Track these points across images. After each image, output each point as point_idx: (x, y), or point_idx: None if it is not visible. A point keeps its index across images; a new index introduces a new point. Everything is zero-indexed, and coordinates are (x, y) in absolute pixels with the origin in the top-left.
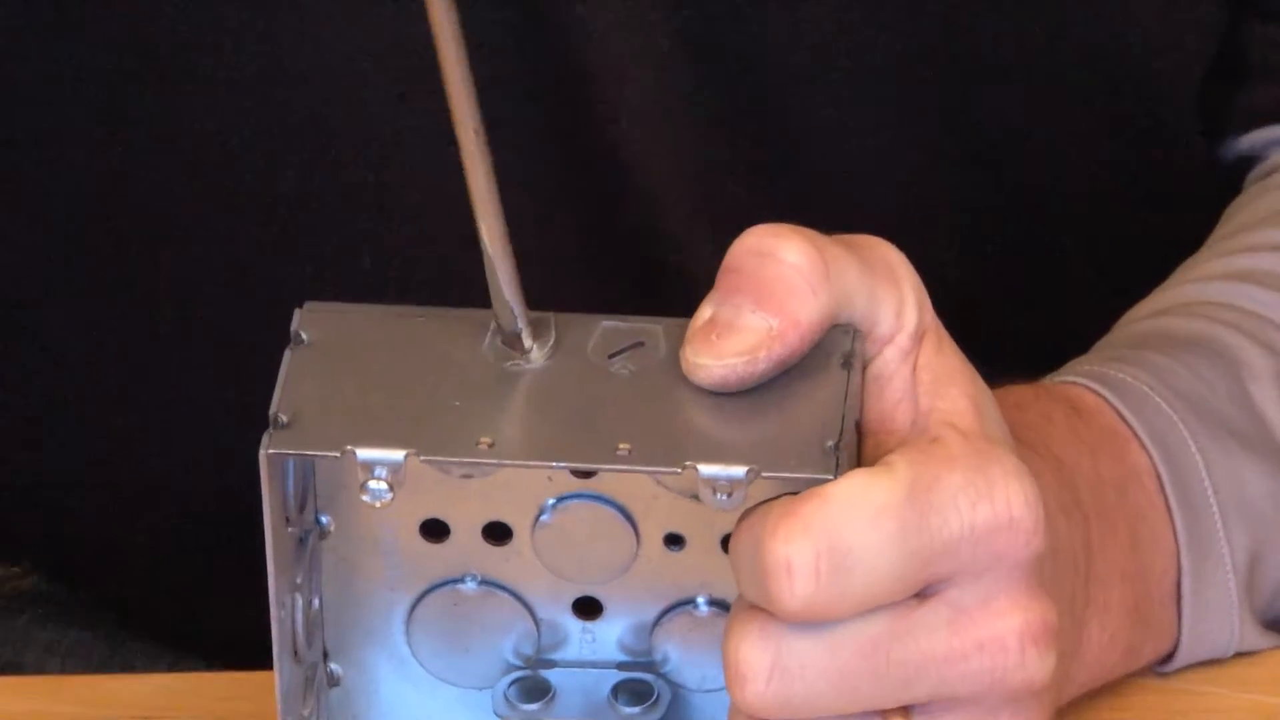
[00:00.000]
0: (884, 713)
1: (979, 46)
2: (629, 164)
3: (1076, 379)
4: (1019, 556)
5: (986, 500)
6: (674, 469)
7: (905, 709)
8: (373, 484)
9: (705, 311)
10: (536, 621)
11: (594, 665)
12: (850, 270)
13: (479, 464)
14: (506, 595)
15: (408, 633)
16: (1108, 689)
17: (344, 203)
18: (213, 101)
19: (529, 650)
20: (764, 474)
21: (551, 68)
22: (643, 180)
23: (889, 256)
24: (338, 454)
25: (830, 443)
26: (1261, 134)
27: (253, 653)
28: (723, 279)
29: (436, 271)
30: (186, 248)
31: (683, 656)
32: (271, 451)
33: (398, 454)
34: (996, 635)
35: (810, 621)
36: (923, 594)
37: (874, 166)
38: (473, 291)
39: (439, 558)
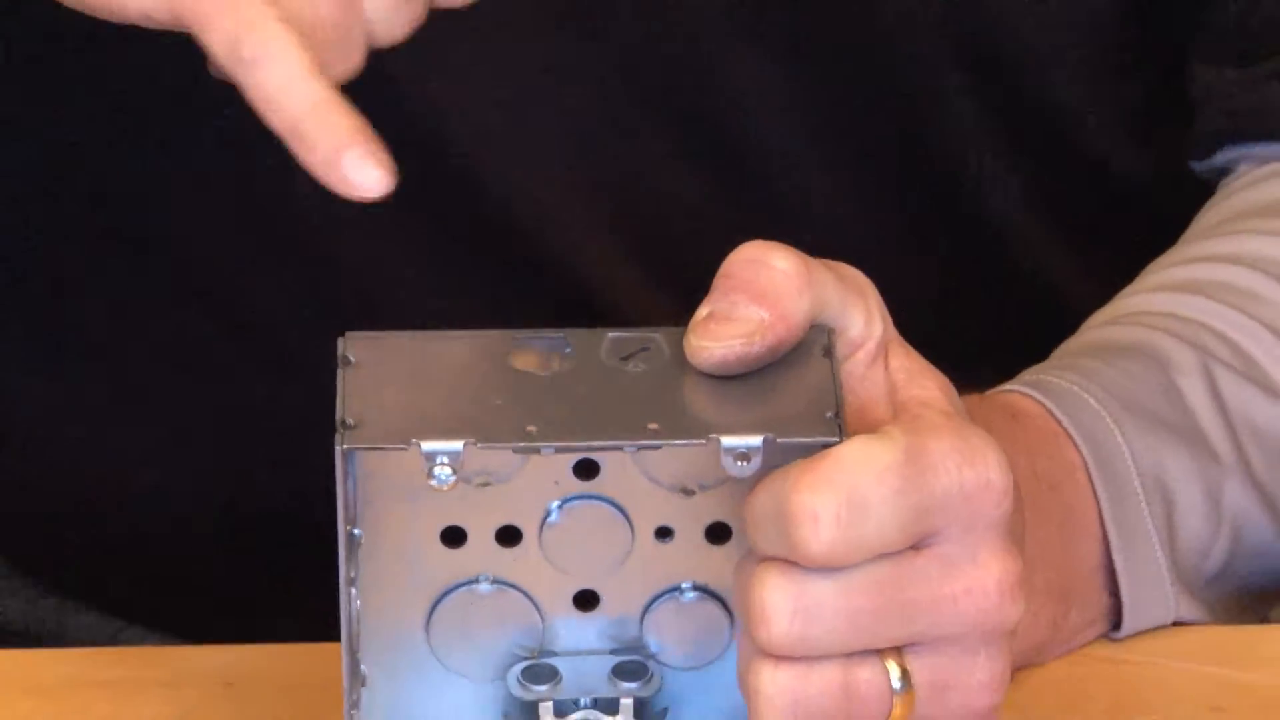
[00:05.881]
0: (881, 651)
1: (924, 99)
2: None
3: (1015, 387)
4: (994, 515)
5: (970, 464)
6: (700, 441)
7: (899, 648)
8: (438, 470)
9: (704, 310)
10: (542, 615)
11: (592, 653)
12: (828, 281)
13: (531, 447)
14: (516, 593)
15: (428, 632)
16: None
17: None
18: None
19: (535, 642)
20: (779, 440)
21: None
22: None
23: (858, 276)
24: (405, 446)
25: (829, 413)
26: (1232, 151)
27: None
28: (720, 282)
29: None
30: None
31: (670, 638)
32: (346, 447)
33: (457, 444)
34: (980, 583)
35: (829, 566)
36: (918, 547)
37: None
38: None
39: (456, 562)
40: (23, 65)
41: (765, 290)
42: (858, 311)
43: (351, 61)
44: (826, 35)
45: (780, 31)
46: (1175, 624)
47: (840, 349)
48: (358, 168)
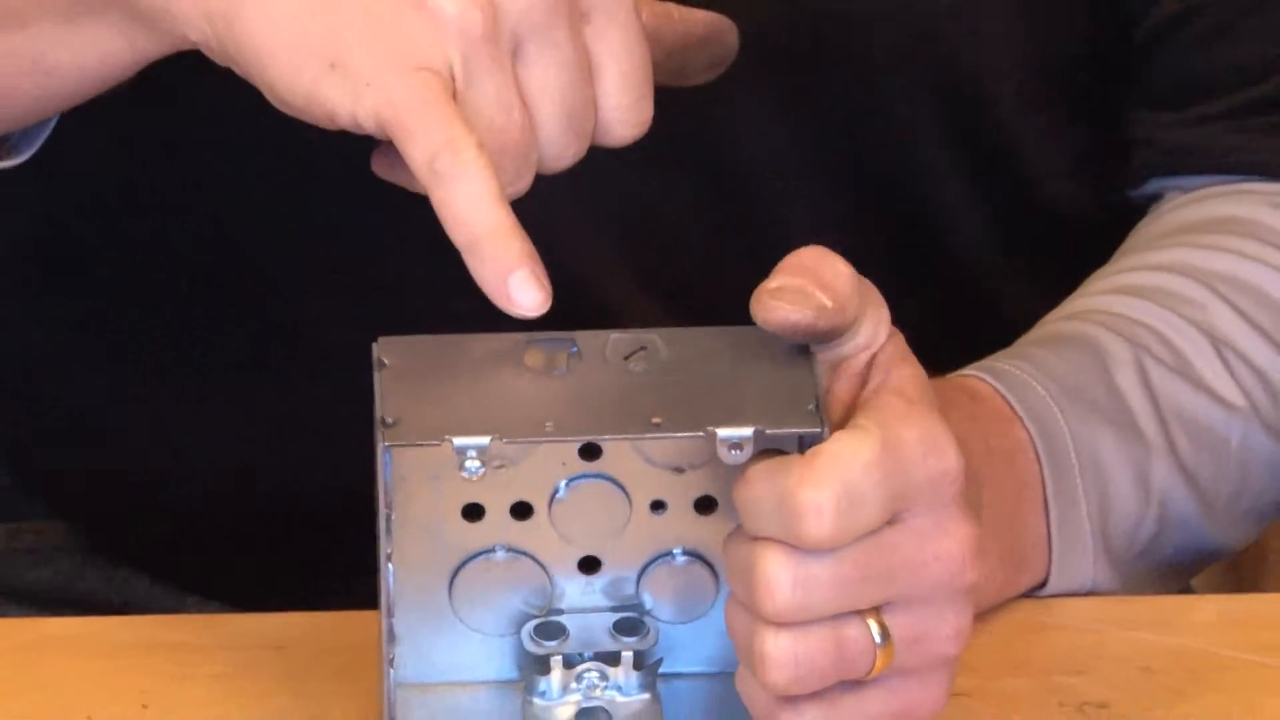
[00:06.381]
0: (863, 612)
1: (914, 157)
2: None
3: (972, 373)
4: (954, 492)
5: (933, 454)
6: (698, 433)
7: (878, 608)
8: (469, 463)
9: (775, 281)
10: (550, 579)
11: (595, 610)
12: (865, 290)
13: (550, 442)
14: (528, 559)
15: (450, 595)
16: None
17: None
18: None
19: (544, 602)
20: (768, 431)
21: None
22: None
23: (875, 289)
24: (439, 443)
25: (810, 406)
26: (1160, 181)
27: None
28: (790, 266)
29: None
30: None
31: (663, 596)
32: (388, 444)
33: (485, 439)
34: (947, 550)
35: (827, 549)
36: (892, 522)
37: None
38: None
39: (475, 534)
40: None
41: (830, 283)
42: (871, 321)
43: (523, 183)
44: (820, 76)
45: (779, 75)
46: (1091, 593)
47: (848, 349)
48: (521, 289)
